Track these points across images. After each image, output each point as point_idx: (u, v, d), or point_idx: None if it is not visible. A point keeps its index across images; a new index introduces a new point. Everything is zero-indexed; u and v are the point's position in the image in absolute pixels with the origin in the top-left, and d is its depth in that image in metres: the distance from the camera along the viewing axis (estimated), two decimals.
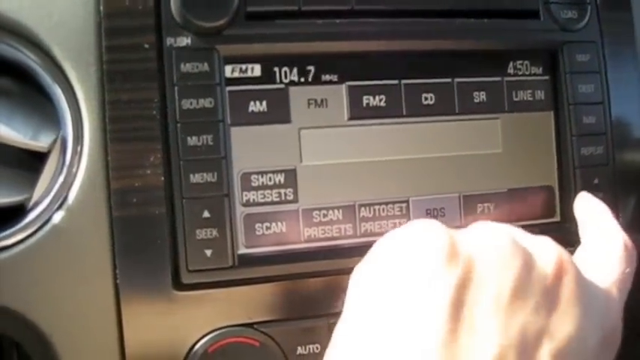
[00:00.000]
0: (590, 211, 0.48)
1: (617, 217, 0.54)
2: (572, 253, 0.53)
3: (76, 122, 0.47)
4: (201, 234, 0.47)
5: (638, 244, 0.55)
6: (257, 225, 0.49)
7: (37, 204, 0.47)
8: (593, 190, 0.54)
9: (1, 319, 0.47)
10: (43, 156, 0.48)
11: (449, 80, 0.53)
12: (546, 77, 0.55)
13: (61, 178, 0.47)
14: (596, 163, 0.55)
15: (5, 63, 0.48)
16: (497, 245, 0.36)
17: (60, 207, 0.47)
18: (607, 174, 0.55)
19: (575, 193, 0.54)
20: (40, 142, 0.48)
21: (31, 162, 0.50)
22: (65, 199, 0.47)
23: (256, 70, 0.49)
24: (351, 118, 0.51)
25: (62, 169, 0.47)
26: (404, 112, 0.52)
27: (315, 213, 0.50)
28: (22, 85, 0.50)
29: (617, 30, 0.57)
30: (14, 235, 0.47)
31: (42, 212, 0.47)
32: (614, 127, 0.56)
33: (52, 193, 0.47)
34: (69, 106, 0.47)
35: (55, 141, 0.48)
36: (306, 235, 0.50)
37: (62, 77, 0.47)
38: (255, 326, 0.48)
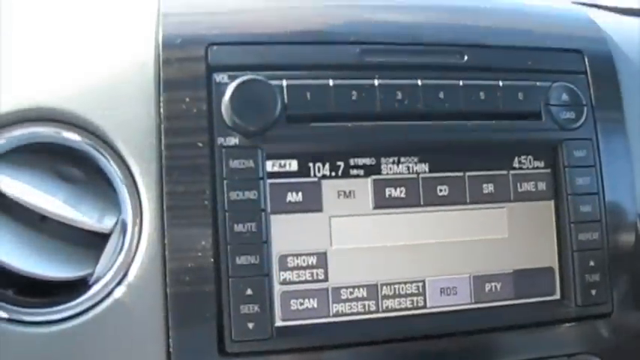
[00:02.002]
0: None
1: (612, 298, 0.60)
2: (570, 328, 0.59)
3: (135, 209, 0.54)
4: (245, 309, 0.53)
5: (634, 322, 0.61)
6: (292, 301, 0.55)
7: (98, 279, 0.53)
8: (590, 272, 0.60)
9: None
10: (105, 236, 0.54)
11: (461, 174, 0.59)
12: (547, 170, 0.61)
13: (122, 257, 0.53)
14: (592, 247, 0.60)
15: (76, 154, 0.55)
16: None
17: (120, 283, 0.53)
18: (602, 257, 0.60)
19: (574, 274, 0.60)
20: (104, 223, 0.54)
21: (93, 241, 0.55)
22: (125, 275, 0.53)
23: (293, 165, 0.56)
24: (375, 208, 0.57)
25: (122, 248, 0.53)
26: (421, 202, 0.58)
27: (342, 291, 0.56)
28: (90, 174, 0.56)
29: (610, 128, 0.63)
30: (77, 307, 0.52)
31: (104, 286, 0.53)
32: (608, 214, 0.61)
33: (113, 270, 0.53)
34: (130, 195, 0.54)
35: (116, 223, 0.54)
36: (335, 310, 0.56)
37: (126, 170, 0.54)
38: None
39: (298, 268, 0.55)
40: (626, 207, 0.63)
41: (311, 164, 0.56)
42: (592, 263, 0.60)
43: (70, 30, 0.58)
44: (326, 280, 0.56)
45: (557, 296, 0.60)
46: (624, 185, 0.63)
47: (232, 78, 0.54)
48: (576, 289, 0.60)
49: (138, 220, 0.53)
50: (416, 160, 0.58)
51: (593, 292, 0.60)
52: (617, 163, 0.63)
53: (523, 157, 0.61)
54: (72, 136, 0.54)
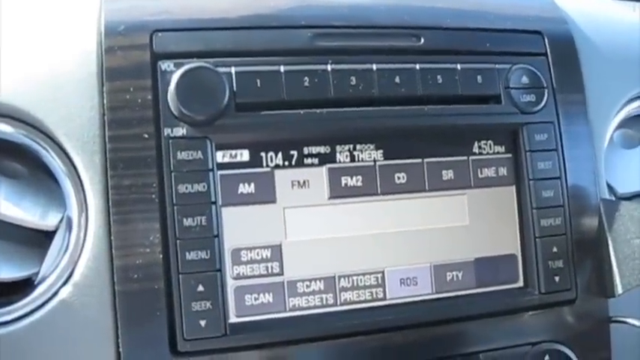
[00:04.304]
0: None
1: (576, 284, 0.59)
2: (533, 316, 0.58)
3: (80, 204, 0.52)
4: (196, 306, 0.51)
5: (598, 308, 0.60)
6: (246, 296, 0.53)
7: (44, 279, 0.51)
8: (553, 258, 0.59)
9: None
10: (50, 233, 0.53)
11: (419, 161, 0.57)
12: (508, 155, 0.60)
13: (67, 255, 0.51)
14: (554, 233, 0.59)
15: (18, 148, 0.53)
16: None
17: (66, 282, 0.51)
18: (565, 243, 0.59)
19: (537, 260, 0.59)
20: (48, 220, 0.53)
21: (38, 238, 0.54)
22: (71, 274, 0.51)
23: (245, 155, 0.54)
24: (331, 197, 0.55)
25: (68, 246, 0.52)
26: (379, 191, 0.56)
27: (298, 284, 0.54)
28: (32, 168, 0.54)
29: (571, 111, 0.62)
30: (22, 308, 0.51)
31: (49, 286, 0.51)
32: (570, 199, 0.60)
33: (59, 269, 0.51)
34: (74, 190, 0.52)
35: (61, 220, 0.52)
36: (291, 305, 0.54)
37: (69, 164, 0.52)
38: None
39: (252, 262, 0.54)
40: (589, 191, 0.62)
41: (263, 154, 0.54)
42: (555, 249, 0.59)
43: (9, 19, 0.55)
44: (281, 273, 0.54)
45: (521, 284, 0.60)
46: (586, 169, 0.62)
47: (178, 66, 0.52)
48: (540, 276, 0.59)
49: (83, 216, 0.52)
50: (372, 147, 0.57)
51: (557, 278, 0.59)
52: (579, 146, 0.62)
53: (483, 142, 0.60)
54: (5, 128, 0.52)
